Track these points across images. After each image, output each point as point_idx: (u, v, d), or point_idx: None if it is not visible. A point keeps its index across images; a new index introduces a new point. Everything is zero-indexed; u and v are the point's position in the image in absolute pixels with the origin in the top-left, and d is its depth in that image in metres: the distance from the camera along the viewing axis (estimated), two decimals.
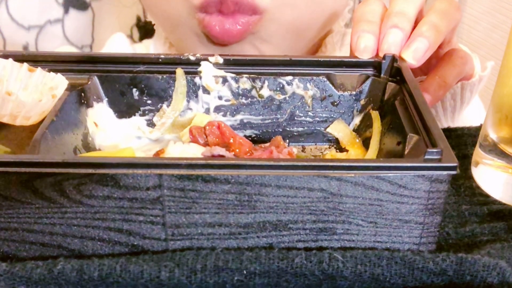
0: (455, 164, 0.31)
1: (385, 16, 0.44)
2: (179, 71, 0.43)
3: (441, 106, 0.52)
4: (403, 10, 0.44)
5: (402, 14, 0.43)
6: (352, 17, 0.52)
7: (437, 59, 0.48)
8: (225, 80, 0.43)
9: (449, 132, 0.46)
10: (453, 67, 0.47)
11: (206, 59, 0.43)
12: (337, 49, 0.61)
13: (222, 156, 0.37)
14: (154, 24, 0.65)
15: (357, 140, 0.43)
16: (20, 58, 0.40)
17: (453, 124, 0.53)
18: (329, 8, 0.54)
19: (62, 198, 0.32)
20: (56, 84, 0.39)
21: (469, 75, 0.51)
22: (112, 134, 0.43)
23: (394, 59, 0.42)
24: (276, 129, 0.44)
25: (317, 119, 0.44)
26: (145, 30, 0.75)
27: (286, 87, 0.43)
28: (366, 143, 0.42)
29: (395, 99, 0.40)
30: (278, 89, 0.43)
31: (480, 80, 0.53)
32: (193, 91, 0.43)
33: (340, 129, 0.44)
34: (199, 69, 0.43)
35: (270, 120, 0.44)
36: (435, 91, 0.46)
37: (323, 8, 0.54)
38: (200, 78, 0.43)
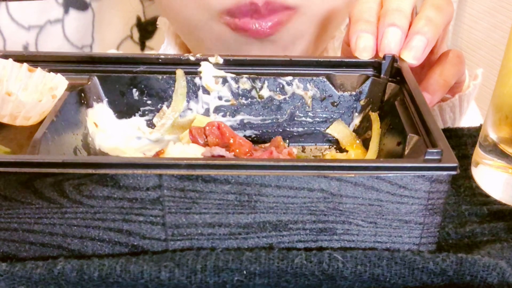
0: (455, 165, 0.31)
1: (381, 14, 0.44)
2: (179, 72, 0.43)
3: (441, 120, 0.52)
4: (399, 7, 0.44)
5: (399, 11, 0.43)
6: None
7: (431, 55, 0.48)
8: (225, 81, 0.43)
9: (449, 132, 0.46)
10: (452, 66, 0.47)
11: (206, 59, 0.43)
12: (338, 55, 0.61)
13: (222, 157, 0.37)
14: (156, 25, 0.65)
15: (357, 141, 0.43)
16: (20, 58, 0.40)
17: None
18: None
19: (62, 198, 0.32)
20: (56, 84, 0.39)
21: (462, 81, 0.51)
22: (112, 134, 0.43)
23: (394, 59, 0.42)
24: (276, 130, 0.44)
25: (317, 119, 0.44)
26: (145, 30, 0.75)
27: (286, 87, 0.43)
28: (366, 144, 0.42)
29: (395, 99, 0.40)
30: (278, 89, 0.43)
31: (474, 89, 0.53)
32: (193, 91, 0.43)
33: (340, 130, 0.44)
34: (199, 69, 0.43)
35: (270, 121, 0.44)
36: (435, 90, 0.46)
37: None
38: (200, 78, 0.43)
